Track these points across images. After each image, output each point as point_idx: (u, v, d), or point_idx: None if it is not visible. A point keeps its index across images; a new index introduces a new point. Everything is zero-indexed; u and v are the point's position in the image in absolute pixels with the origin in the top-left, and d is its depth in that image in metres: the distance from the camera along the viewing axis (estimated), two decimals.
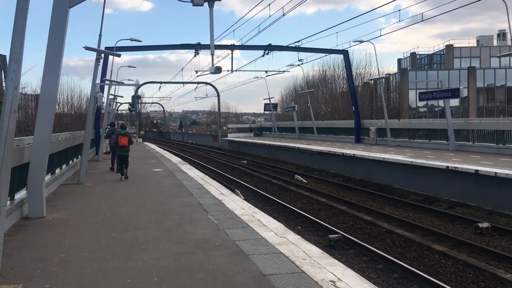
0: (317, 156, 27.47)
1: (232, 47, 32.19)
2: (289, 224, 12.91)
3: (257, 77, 44.80)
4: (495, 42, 68.46)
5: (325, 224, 12.91)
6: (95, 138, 28.07)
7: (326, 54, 39.38)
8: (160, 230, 8.37)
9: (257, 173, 25.50)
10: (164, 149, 38.92)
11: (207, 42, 19.25)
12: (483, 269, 8.89)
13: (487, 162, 16.95)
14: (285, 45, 32.66)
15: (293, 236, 7.59)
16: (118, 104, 64.82)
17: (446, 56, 65.46)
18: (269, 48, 32.25)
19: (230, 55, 32.77)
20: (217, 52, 32.14)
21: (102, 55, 19.84)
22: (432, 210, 15.02)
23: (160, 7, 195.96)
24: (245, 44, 31.67)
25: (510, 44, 59.49)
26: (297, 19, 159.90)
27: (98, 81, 21.28)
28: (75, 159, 20.09)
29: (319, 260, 6.19)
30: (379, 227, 12.62)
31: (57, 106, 42.10)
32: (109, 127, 24.41)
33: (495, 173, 14.31)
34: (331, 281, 5.40)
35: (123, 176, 16.24)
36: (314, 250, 6.77)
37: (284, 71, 40.17)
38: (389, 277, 8.95)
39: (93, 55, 18.50)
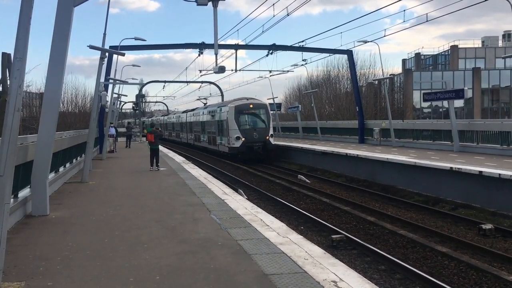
0: (321, 156, 27.44)
1: (236, 47, 32.17)
2: (291, 224, 12.90)
3: (261, 77, 44.72)
4: (500, 43, 68.21)
5: (328, 224, 12.89)
6: (99, 137, 28.14)
7: (330, 54, 39.28)
8: (163, 229, 8.39)
9: (260, 172, 25.49)
10: (167, 148, 38.97)
11: (212, 41, 19.26)
12: (486, 271, 8.85)
13: (491, 163, 16.88)
14: (289, 45, 32.59)
15: (295, 236, 7.59)
16: (122, 103, 65.07)
17: (451, 57, 65.26)
18: (273, 48, 32.20)
19: (234, 55, 32.78)
20: (222, 51, 32.11)
21: (107, 54, 19.91)
22: (435, 211, 14.97)
23: (166, 7, 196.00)
24: (249, 44, 31.64)
25: None
26: (302, 19, 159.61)
27: (102, 80, 21.34)
28: (79, 158, 20.16)
29: (321, 260, 6.20)
30: (382, 227, 12.60)
31: (61, 105, 42.21)
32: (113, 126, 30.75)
33: (499, 174, 14.24)
34: (333, 281, 5.40)
35: (152, 167, 18.79)
36: (316, 250, 6.77)
37: (288, 71, 40.05)
38: (391, 278, 8.94)
39: (99, 54, 18.56)
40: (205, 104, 52.64)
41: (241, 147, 30.23)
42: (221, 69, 18.58)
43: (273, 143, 31.29)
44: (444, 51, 67.68)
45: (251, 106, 31.70)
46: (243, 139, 30.22)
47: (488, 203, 14.62)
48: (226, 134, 31.85)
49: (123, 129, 50.24)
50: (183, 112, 54.93)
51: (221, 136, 33.58)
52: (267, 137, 30.62)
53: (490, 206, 14.45)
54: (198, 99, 60.07)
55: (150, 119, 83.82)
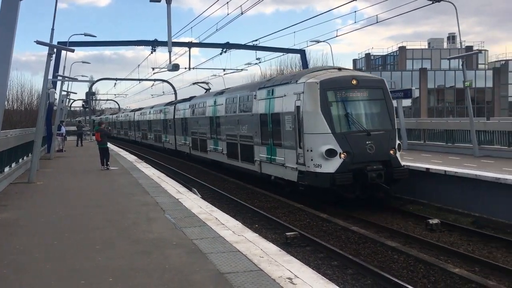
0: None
1: (189, 45, 31.90)
2: (246, 223, 12.90)
3: (215, 75, 44.54)
4: (445, 45, 71.04)
5: (282, 222, 13.02)
6: (47, 136, 27.21)
7: (284, 53, 39.67)
8: (115, 230, 8.22)
9: (215, 171, 25.41)
10: (119, 146, 38.16)
11: (165, 39, 19.01)
12: (433, 264, 9.20)
13: (437, 160, 17.56)
14: (243, 43, 32.67)
15: (250, 234, 7.63)
16: (72, 101, 63.09)
17: (399, 58, 67.41)
18: (227, 46, 32.16)
19: (188, 53, 32.49)
20: (175, 49, 31.78)
21: (55, 50, 19.27)
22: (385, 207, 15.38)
23: (117, 3, 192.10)
24: (203, 42, 31.45)
25: (459, 47, 61.90)
26: (255, 19, 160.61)
27: (50, 76, 20.66)
28: (25, 157, 19.43)
29: (276, 258, 6.26)
30: (334, 224, 12.84)
31: (6, 103, 40.46)
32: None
33: (445, 171, 14.85)
34: (288, 278, 5.47)
35: (103, 167, 18.44)
36: (271, 248, 6.83)
37: (242, 70, 40.15)
38: (344, 273, 9.14)
39: (47, 50, 17.94)
40: (207, 90, 31.72)
41: (340, 173, 13.73)
42: (175, 67, 18.33)
43: (402, 163, 14.96)
44: (393, 52, 69.84)
45: (353, 82, 14.55)
46: (343, 154, 13.85)
47: (434, 199, 15.19)
48: (292, 144, 15.13)
49: (71, 128, 48.64)
50: (169, 103, 36.41)
51: (270, 145, 16.91)
52: (392, 151, 14.54)
53: (436, 201, 15.03)
54: (195, 83, 35.20)
55: (121, 115, 70.27)
